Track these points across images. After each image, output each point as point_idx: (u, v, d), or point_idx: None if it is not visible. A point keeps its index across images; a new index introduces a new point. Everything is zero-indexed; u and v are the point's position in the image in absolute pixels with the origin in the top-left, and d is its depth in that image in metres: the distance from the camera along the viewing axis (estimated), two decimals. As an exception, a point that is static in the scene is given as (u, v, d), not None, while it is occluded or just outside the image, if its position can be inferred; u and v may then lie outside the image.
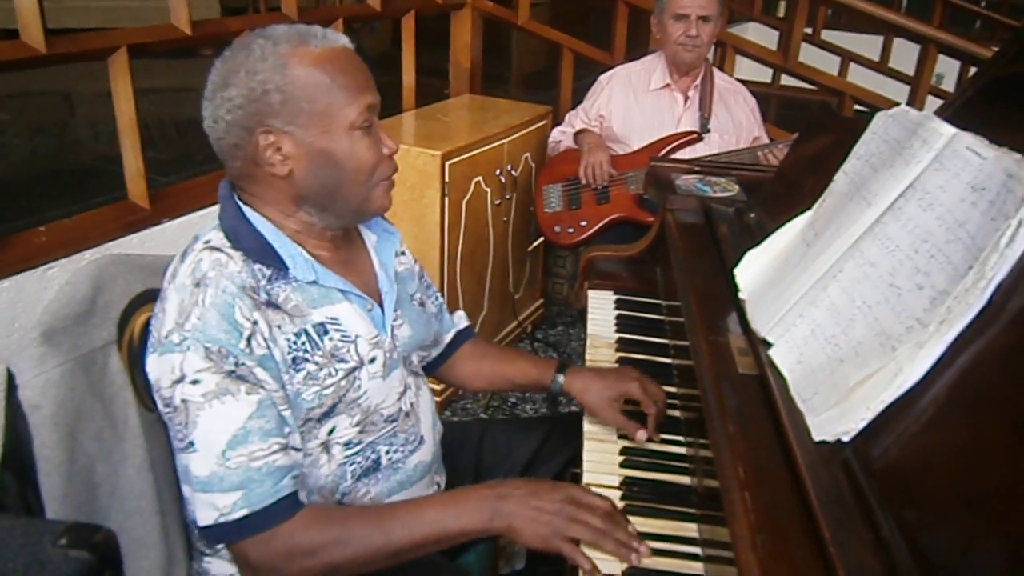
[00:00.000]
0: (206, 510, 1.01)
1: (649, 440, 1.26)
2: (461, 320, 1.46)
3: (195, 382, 0.99)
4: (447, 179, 2.46)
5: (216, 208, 1.14)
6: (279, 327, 1.05)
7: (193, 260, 1.05)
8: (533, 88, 5.87)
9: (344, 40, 1.09)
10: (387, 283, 1.23)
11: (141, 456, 1.15)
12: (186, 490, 1.05)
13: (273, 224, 1.10)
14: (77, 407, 1.08)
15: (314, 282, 1.10)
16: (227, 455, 0.99)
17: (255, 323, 1.02)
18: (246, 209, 1.10)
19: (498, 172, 2.75)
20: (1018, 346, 0.78)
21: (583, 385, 1.33)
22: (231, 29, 2.27)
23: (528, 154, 2.93)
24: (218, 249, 1.06)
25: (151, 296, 1.21)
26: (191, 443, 1.00)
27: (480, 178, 2.65)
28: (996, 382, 0.79)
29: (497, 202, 2.79)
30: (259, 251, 1.07)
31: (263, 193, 1.10)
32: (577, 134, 2.75)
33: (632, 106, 2.70)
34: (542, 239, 3.04)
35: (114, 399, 1.14)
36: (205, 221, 2.04)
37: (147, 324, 1.19)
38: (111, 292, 1.16)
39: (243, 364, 1.01)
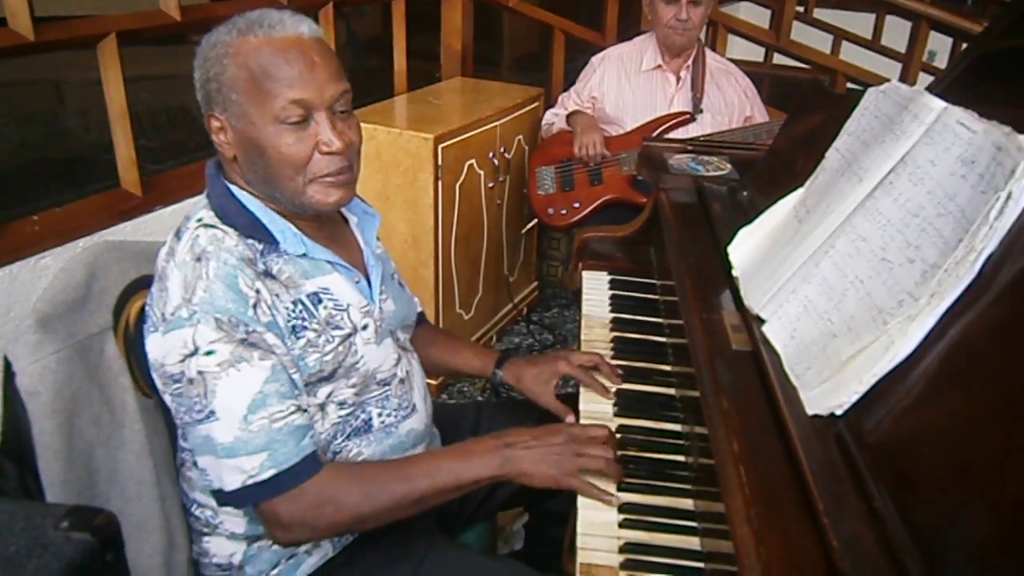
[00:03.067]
0: (233, 474, 1.03)
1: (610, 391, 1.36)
2: (418, 305, 1.48)
3: (209, 353, 1.01)
4: (440, 162, 2.45)
5: (198, 200, 1.16)
6: (277, 296, 1.08)
7: (190, 237, 1.08)
8: (525, 70, 5.84)
9: (302, 29, 1.08)
10: (372, 259, 1.26)
11: (140, 441, 1.16)
12: (206, 460, 1.06)
13: (259, 200, 1.13)
14: (75, 393, 1.08)
15: (304, 255, 1.13)
16: (249, 419, 1.02)
17: (258, 291, 1.05)
18: (232, 187, 1.13)
19: (491, 155, 2.75)
20: (1008, 318, 0.79)
21: (518, 374, 1.43)
22: (220, 14, 2.25)
23: (521, 136, 2.93)
24: (212, 226, 1.09)
25: (146, 282, 1.22)
26: (211, 412, 1.03)
27: (473, 161, 2.65)
28: (986, 354, 0.79)
29: (491, 185, 2.79)
30: (249, 227, 1.10)
31: (228, 168, 1.15)
32: (570, 116, 2.75)
33: (624, 87, 2.70)
34: (536, 221, 3.04)
35: (111, 385, 1.14)
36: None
37: (143, 309, 1.19)
38: (106, 279, 1.17)
39: (254, 331, 1.03)
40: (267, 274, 1.09)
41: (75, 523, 0.73)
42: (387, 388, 1.23)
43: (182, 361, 1.03)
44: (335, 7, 2.62)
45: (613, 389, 1.36)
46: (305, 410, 1.08)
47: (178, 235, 1.10)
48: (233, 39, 1.06)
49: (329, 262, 1.16)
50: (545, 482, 1.11)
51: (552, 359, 1.42)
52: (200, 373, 1.02)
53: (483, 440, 1.16)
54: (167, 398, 1.09)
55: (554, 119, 2.82)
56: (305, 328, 1.10)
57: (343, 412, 1.17)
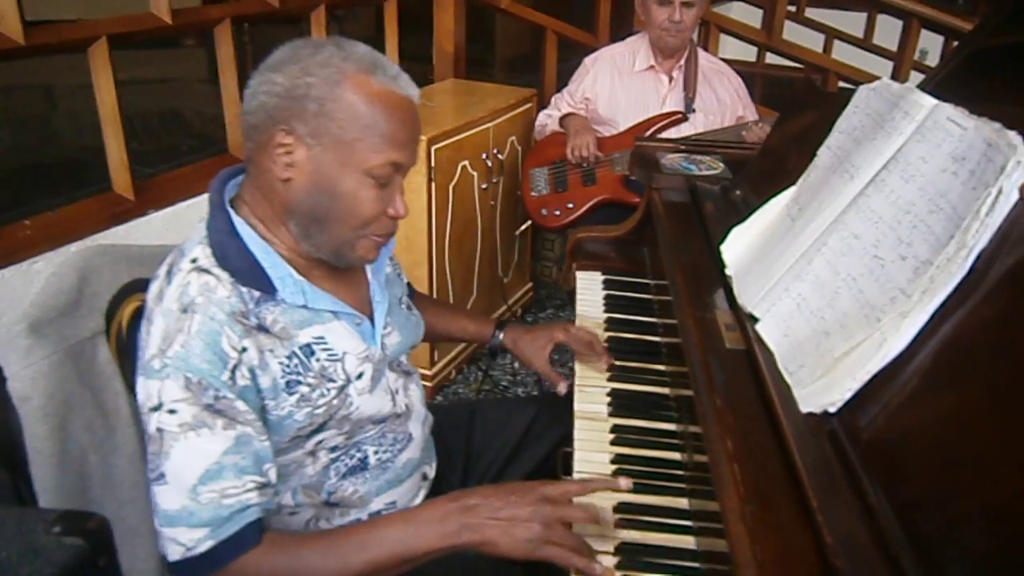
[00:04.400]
0: (172, 546, 0.96)
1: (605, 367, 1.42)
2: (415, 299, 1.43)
3: (172, 411, 0.95)
4: (433, 164, 2.45)
5: (203, 197, 1.10)
6: (271, 351, 1.02)
7: (180, 283, 1.00)
8: (517, 72, 5.85)
9: (413, 92, 1.06)
10: (379, 293, 1.20)
11: (133, 446, 1.16)
12: (156, 522, 0.98)
13: (264, 240, 1.06)
14: (67, 398, 1.08)
15: (303, 305, 1.07)
16: (198, 490, 0.95)
17: (243, 351, 0.99)
18: (237, 221, 1.05)
19: (484, 156, 2.74)
20: (1000, 314, 0.79)
21: (514, 338, 1.47)
22: (212, 17, 2.25)
23: (514, 137, 2.93)
24: (206, 271, 1.01)
25: (138, 286, 1.21)
26: (162, 475, 0.95)
27: (466, 162, 2.65)
28: (979, 350, 0.79)
29: (484, 186, 2.79)
30: (247, 272, 1.03)
31: (260, 187, 1.06)
32: (563, 118, 2.75)
33: (617, 88, 2.70)
34: (530, 222, 3.04)
35: (104, 389, 1.14)
36: (191, 212, 2.03)
37: (135, 313, 1.19)
38: (97, 283, 1.16)
39: (224, 397, 0.97)
40: (260, 328, 1.02)
41: (67, 528, 0.72)
42: (382, 425, 1.17)
43: (148, 412, 0.97)
44: (327, 9, 2.62)
45: (605, 365, 1.42)
46: (268, 485, 1.00)
47: (169, 275, 1.03)
48: (351, 69, 0.99)
49: (331, 311, 1.10)
50: (514, 553, 0.97)
51: (549, 327, 1.46)
52: (159, 431, 0.95)
53: (436, 503, 1.01)
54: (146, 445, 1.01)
55: (547, 120, 2.83)
56: (299, 383, 1.04)
57: (334, 455, 1.13)
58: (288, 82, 0.99)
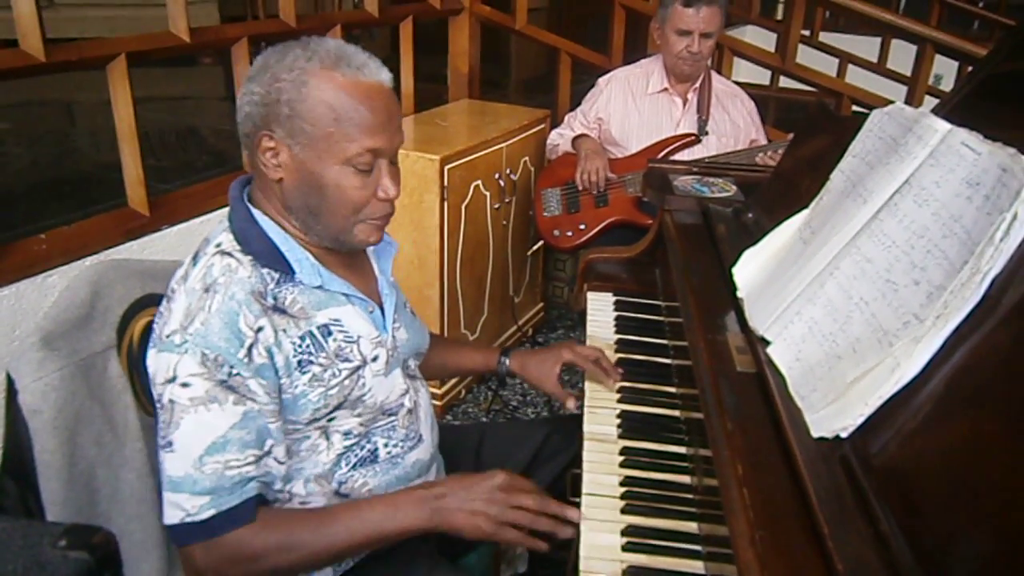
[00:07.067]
0: (172, 509, 1.02)
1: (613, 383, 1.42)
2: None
3: (185, 385, 1.01)
4: (446, 183, 2.46)
5: (217, 213, 1.14)
6: (284, 331, 1.07)
7: (205, 264, 1.07)
8: (531, 93, 5.88)
9: (383, 76, 1.09)
10: (387, 287, 1.26)
11: (141, 460, 1.16)
12: (162, 487, 1.05)
13: (280, 228, 1.12)
14: (77, 412, 1.09)
15: (319, 286, 1.12)
16: (203, 460, 1.01)
17: (259, 330, 1.04)
18: (255, 212, 1.12)
19: (497, 176, 2.75)
20: (1014, 340, 0.79)
21: (522, 362, 1.47)
22: (229, 36, 2.28)
23: (527, 158, 2.94)
24: (228, 254, 1.08)
25: (150, 301, 1.22)
26: (170, 443, 1.02)
27: (479, 182, 2.66)
28: (992, 376, 0.79)
29: (496, 206, 2.79)
30: (267, 255, 1.09)
31: (263, 189, 1.13)
32: (575, 139, 2.75)
33: (631, 109, 2.71)
34: (542, 243, 3.04)
35: (114, 403, 1.14)
36: (205, 228, 2.04)
37: (147, 328, 1.20)
38: (110, 297, 1.17)
39: (237, 375, 1.02)
40: (276, 308, 1.08)
41: (73, 542, 0.72)
42: (393, 419, 1.22)
43: (162, 384, 1.02)
44: (343, 29, 2.64)
45: (615, 382, 1.41)
46: (280, 461, 1.08)
47: (195, 259, 1.10)
48: (314, 68, 1.04)
49: (344, 294, 1.15)
50: (477, 534, 1.08)
51: (556, 347, 1.47)
52: (171, 402, 1.02)
53: (412, 490, 1.13)
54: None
55: (559, 140, 2.83)
56: (311, 363, 1.09)
57: (348, 442, 1.17)
58: (262, 89, 1.06)
